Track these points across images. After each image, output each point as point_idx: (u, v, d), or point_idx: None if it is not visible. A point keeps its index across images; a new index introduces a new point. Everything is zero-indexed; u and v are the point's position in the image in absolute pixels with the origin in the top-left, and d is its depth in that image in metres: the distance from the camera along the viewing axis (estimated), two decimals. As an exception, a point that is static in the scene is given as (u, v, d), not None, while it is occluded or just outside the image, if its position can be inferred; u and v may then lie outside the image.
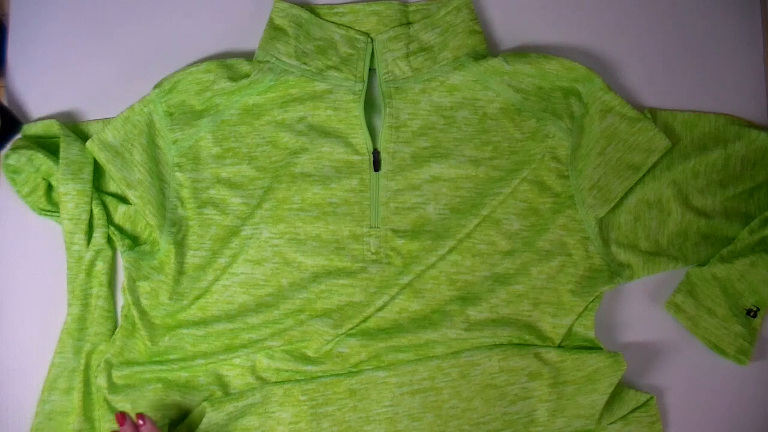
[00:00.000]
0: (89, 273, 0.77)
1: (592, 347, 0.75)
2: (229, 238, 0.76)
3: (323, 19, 0.79)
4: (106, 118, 0.82)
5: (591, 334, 0.75)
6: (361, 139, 0.77)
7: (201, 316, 0.76)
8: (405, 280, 0.74)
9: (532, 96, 0.78)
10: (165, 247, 0.77)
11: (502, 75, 0.78)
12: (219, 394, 0.74)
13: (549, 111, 0.77)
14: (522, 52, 0.79)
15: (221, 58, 0.81)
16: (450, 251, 0.76)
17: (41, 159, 0.77)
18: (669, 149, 0.76)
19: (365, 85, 0.78)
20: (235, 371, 0.75)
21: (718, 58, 0.82)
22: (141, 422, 0.69)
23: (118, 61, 0.84)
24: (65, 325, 0.76)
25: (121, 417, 0.69)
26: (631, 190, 0.76)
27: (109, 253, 0.78)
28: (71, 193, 0.76)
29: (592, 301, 0.75)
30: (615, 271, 0.75)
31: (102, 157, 0.76)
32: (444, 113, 0.78)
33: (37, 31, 0.85)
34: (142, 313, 0.76)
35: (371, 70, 0.79)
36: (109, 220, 0.78)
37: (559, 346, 0.74)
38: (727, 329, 0.74)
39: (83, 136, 0.80)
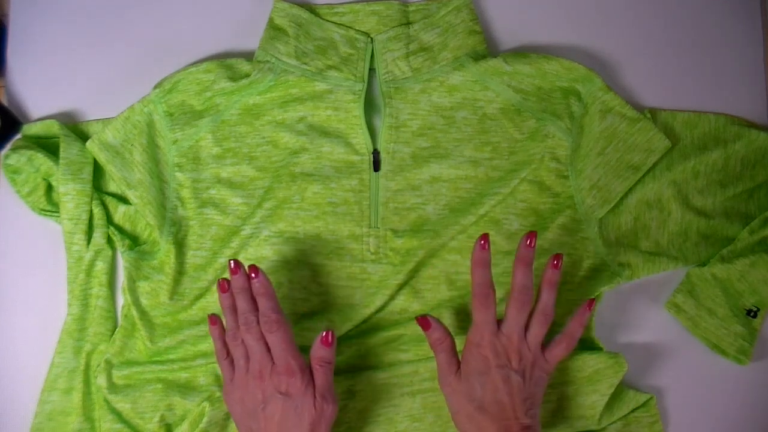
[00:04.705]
0: (89, 273, 0.77)
1: (592, 347, 0.75)
2: (230, 238, 0.76)
3: (323, 19, 0.79)
4: (106, 118, 0.82)
5: (591, 333, 0.75)
6: (361, 139, 0.77)
7: (201, 315, 0.76)
8: (401, 279, 0.74)
9: (532, 96, 0.78)
10: (165, 247, 0.77)
11: (501, 75, 0.78)
12: (218, 394, 0.74)
13: (549, 111, 0.77)
14: (522, 52, 0.79)
15: (221, 58, 0.81)
16: (450, 251, 0.75)
17: (41, 159, 0.77)
18: (669, 149, 0.76)
19: (365, 85, 0.78)
20: (234, 372, 0.75)
21: (718, 58, 0.82)
22: (254, 275, 0.68)
23: (118, 61, 0.84)
24: (65, 325, 0.76)
25: (235, 265, 0.68)
26: (631, 190, 0.76)
27: (109, 253, 0.78)
28: (71, 193, 0.76)
29: (590, 300, 0.75)
30: (615, 272, 0.75)
31: (102, 157, 0.76)
32: (444, 113, 0.78)
33: (37, 31, 0.85)
34: (142, 313, 0.76)
35: (371, 70, 0.79)
36: (109, 220, 0.78)
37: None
38: (727, 329, 0.74)
39: (83, 136, 0.80)
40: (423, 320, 0.69)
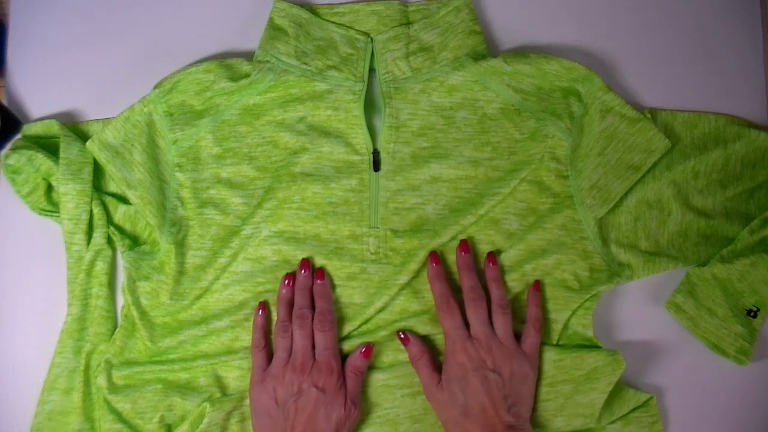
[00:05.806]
0: (89, 273, 0.77)
1: (590, 346, 0.75)
2: (230, 238, 0.76)
3: (323, 19, 0.79)
4: (106, 118, 0.82)
5: (589, 333, 0.75)
6: (361, 139, 0.77)
7: (201, 315, 0.76)
8: (401, 279, 0.74)
9: (532, 96, 0.78)
10: (165, 247, 0.77)
11: (501, 75, 0.78)
12: (218, 395, 0.74)
13: (548, 111, 0.77)
14: (522, 52, 0.79)
15: (221, 58, 0.81)
16: (450, 251, 0.76)
17: (41, 159, 0.77)
18: (669, 149, 0.76)
19: (365, 85, 0.78)
20: (234, 373, 0.75)
21: (718, 58, 0.82)
22: (319, 279, 0.74)
23: (118, 61, 0.84)
24: (65, 325, 0.76)
25: (305, 265, 0.74)
26: (630, 190, 0.76)
27: (109, 253, 0.78)
28: (71, 193, 0.76)
29: (590, 300, 0.75)
30: (614, 272, 0.75)
31: (102, 157, 0.76)
32: (444, 113, 0.78)
33: (37, 31, 0.85)
34: (142, 313, 0.76)
35: (371, 70, 0.79)
36: (109, 220, 0.78)
37: (557, 345, 0.74)
38: (727, 329, 0.74)
39: (83, 136, 0.80)
40: (403, 336, 0.73)
